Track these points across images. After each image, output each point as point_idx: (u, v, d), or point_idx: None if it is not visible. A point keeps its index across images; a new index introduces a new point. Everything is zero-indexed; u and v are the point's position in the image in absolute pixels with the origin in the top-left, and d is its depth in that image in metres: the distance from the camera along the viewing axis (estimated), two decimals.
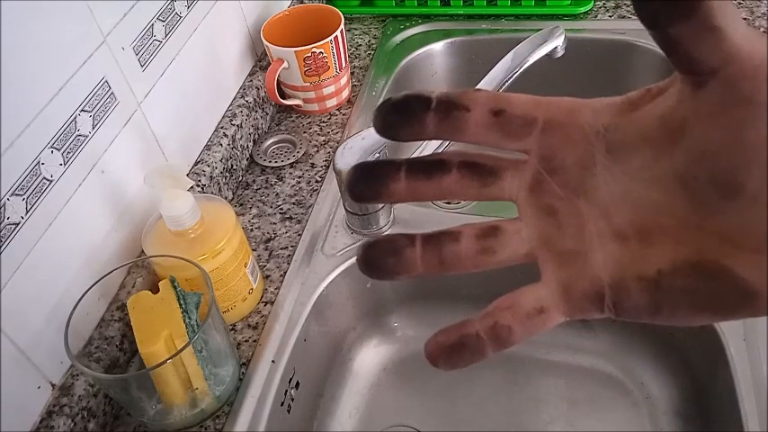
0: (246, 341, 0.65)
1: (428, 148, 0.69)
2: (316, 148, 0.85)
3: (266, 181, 0.81)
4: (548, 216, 0.23)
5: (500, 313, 0.23)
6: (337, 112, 0.90)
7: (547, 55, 0.69)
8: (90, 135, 0.59)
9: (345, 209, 0.72)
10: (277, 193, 0.79)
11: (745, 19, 0.93)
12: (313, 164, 0.82)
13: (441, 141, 0.68)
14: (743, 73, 0.19)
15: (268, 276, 0.70)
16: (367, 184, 0.24)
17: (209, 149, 0.78)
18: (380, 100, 0.90)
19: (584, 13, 0.98)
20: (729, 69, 0.19)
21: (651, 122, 0.21)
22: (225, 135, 0.79)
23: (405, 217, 0.73)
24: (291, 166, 0.83)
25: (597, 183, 0.22)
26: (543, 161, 0.23)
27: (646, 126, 0.21)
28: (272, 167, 0.83)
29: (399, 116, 0.22)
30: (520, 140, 0.23)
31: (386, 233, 0.25)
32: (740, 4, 0.96)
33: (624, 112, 0.22)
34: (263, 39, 0.84)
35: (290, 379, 0.65)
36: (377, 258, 0.24)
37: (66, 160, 0.56)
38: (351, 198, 0.24)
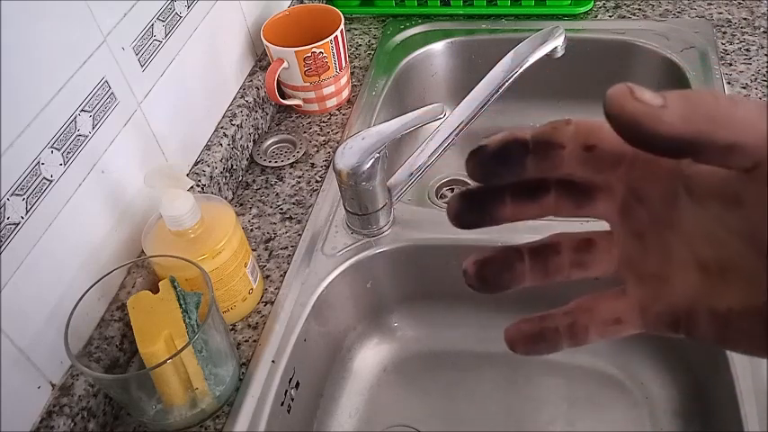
0: (246, 341, 0.65)
1: (427, 149, 0.69)
2: (316, 148, 0.85)
3: (266, 181, 0.81)
4: (636, 240, 0.24)
5: (580, 314, 0.25)
6: (337, 112, 0.90)
7: (547, 55, 0.69)
8: (90, 135, 0.59)
9: (345, 209, 0.72)
10: (277, 193, 0.79)
11: (744, 19, 0.93)
12: (313, 164, 0.82)
13: (441, 142, 0.68)
14: None
15: (268, 276, 0.70)
16: (475, 212, 0.24)
17: (209, 149, 0.78)
18: (381, 100, 0.90)
19: (584, 13, 0.98)
20: (766, 162, 0.19)
21: (716, 183, 0.22)
22: (225, 135, 0.79)
23: (405, 217, 0.73)
24: (291, 166, 0.83)
25: (682, 216, 0.23)
26: (631, 191, 0.24)
27: (714, 184, 0.22)
28: (272, 167, 0.83)
29: (501, 164, 0.23)
30: (609, 173, 0.24)
31: (490, 248, 0.25)
32: (740, 3, 0.96)
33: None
34: (263, 39, 0.84)
35: (290, 379, 0.65)
36: (493, 275, 0.25)
37: (66, 160, 0.56)
38: (457, 226, 0.25)
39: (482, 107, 0.67)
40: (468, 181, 0.98)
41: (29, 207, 0.53)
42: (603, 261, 0.25)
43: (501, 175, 0.23)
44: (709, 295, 0.23)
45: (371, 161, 0.65)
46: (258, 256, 0.72)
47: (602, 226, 0.26)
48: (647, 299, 0.24)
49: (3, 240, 0.50)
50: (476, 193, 0.24)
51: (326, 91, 0.87)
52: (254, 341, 0.65)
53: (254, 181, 0.81)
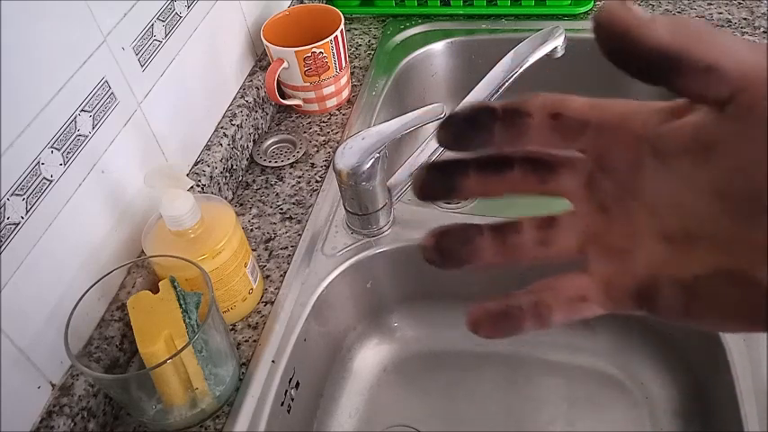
0: (246, 341, 0.65)
1: (427, 149, 0.69)
2: (316, 148, 0.85)
3: (266, 181, 0.81)
4: (600, 212, 0.24)
5: (543, 293, 0.24)
6: (337, 112, 0.90)
7: (547, 55, 0.69)
8: (90, 135, 0.59)
9: (345, 209, 0.72)
10: (277, 193, 0.79)
11: (744, 19, 0.93)
12: (313, 164, 0.82)
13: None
14: (759, 93, 0.19)
15: (268, 276, 0.70)
16: (439, 182, 0.24)
17: (209, 149, 0.78)
18: (381, 100, 0.90)
19: (585, 13, 0.98)
20: (744, 94, 0.19)
21: (688, 134, 0.21)
22: (225, 135, 0.79)
23: (405, 217, 0.73)
24: (291, 166, 0.83)
25: (647, 184, 0.23)
26: (597, 161, 0.24)
27: (684, 136, 0.22)
28: (272, 167, 0.83)
29: (471, 128, 0.23)
30: (574, 142, 0.23)
31: (449, 224, 0.25)
32: (740, 3, 0.96)
33: (669, 119, 0.22)
34: (263, 39, 0.84)
35: (290, 379, 0.65)
36: (450, 247, 0.24)
37: (66, 160, 0.56)
38: (421, 198, 0.25)
39: None
40: None
41: (29, 207, 0.53)
42: (566, 238, 0.25)
43: (470, 139, 0.23)
44: (673, 265, 0.22)
45: (371, 161, 0.65)
46: (258, 256, 0.72)
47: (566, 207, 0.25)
48: (611, 274, 0.24)
49: (3, 240, 0.50)
50: (441, 165, 0.24)
51: (326, 91, 0.87)
52: (254, 341, 0.65)
53: (254, 181, 0.81)
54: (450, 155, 0.24)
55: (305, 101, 0.88)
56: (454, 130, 0.23)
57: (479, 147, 0.23)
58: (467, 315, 0.25)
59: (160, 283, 0.57)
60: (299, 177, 0.81)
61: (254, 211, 0.78)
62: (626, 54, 0.20)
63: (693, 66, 0.19)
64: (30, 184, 0.53)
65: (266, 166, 0.83)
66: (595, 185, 0.24)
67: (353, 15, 1.05)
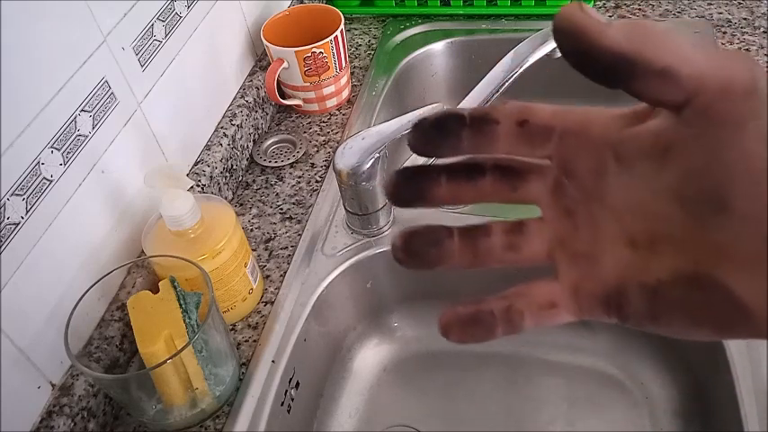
0: (246, 341, 0.65)
1: None
2: (316, 148, 0.85)
3: (266, 181, 0.81)
4: (566, 218, 0.24)
5: (515, 298, 0.24)
6: (337, 112, 0.90)
7: (547, 55, 0.69)
8: (90, 135, 0.59)
9: (345, 209, 0.72)
10: (277, 193, 0.79)
11: (744, 19, 0.93)
12: (313, 164, 0.82)
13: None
14: (713, 97, 0.20)
15: (268, 276, 0.70)
16: (410, 188, 0.24)
17: (209, 149, 0.78)
18: (381, 100, 0.90)
19: None
20: (700, 97, 0.20)
21: (647, 138, 0.22)
22: (225, 135, 0.79)
23: (405, 217, 0.73)
24: (291, 166, 0.83)
25: (611, 189, 0.23)
26: (561, 166, 0.24)
27: (644, 141, 0.22)
28: (272, 167, 0.83)
29: (437, 133, 0.23)
30: (540, 148, 0.24)
31: (420, 224, 0.25)
32: (740, 3, 0.96)
33: (630, 124, 0.23)
34: (263, 39, 0.84)
35: (290, 379, 0.65)
36: (419, 248, 0.24)
37: (66, 160, 0.56)
38: (392, 203, 0.25)
39: None
40: None
41: (29, 207, 0.53)
42: (535, 243, 0.25)
43: (438, 145, 0.23)
44: (638, 270, 0.22)
45: (371, 161, 0.65)
46: (258, 256, 0.72)
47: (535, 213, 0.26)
48: (578, 280, 0.24)
49: (3, 240, 0.50)
50: (412, 170, 0.25)
51: (326, 91, 0.87)
52: (254, 341, 0.65)
53: (254, 181, 0.81)
54: (423, 160, 0.24)
55: (305, 101, 0.88)
56: (423, 135, 0.23)
57: (448, 152, 0.24)
58: (438, 319, 0.25)
59: (160, 283, 0.57)
60: (299, 177, 0.81)
61: (254, 211, 0.78)
62: (583, 57, 0.20)
63: (648, 69, 0.20)
64: (30, 184, 0.53)
65: (266, 166, 0.83)
66: (561, 191, 0.24)
67: (353, 15, 1.05)
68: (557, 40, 0.21)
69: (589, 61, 0.20)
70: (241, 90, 0.86)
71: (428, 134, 0.23)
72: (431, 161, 0.25)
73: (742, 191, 0.20)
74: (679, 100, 0.20)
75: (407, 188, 0.24)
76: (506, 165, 0.24)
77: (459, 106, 0.68)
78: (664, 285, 0.22)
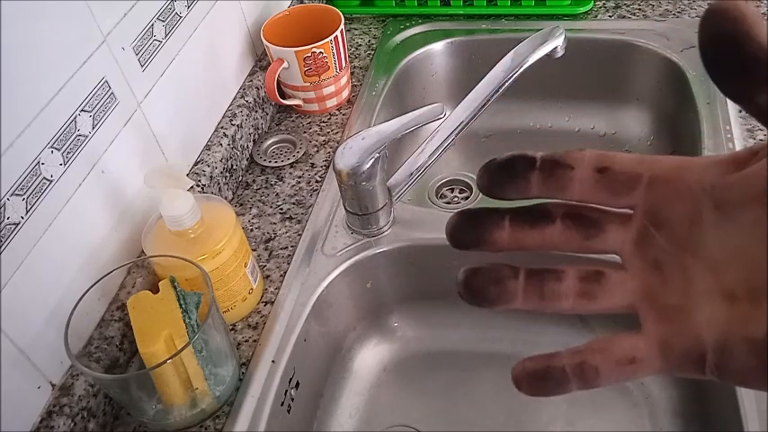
0: (246, 341, 0.65)
1: (427, 149, 0.69)
2: (316, 148, 0.85)
3: (266, 181, 0.81)
4: (653, 270, 0.23)
5: (590, 354, 0.23)
6: (337, 112, 0.90)
7: (547, 55, 0.69)
8: (90, 135, 0.59)
9: (345, 209, 0.72)
10: (277, 193, 0.79)
11: None
12: (313, 164, 0.82)
13: (441, 142, 0.68)
14: None
15: (268, 276, 0.70)
16: (471, 231, 0.24)
17: (209, 149, 0.78)
18: (381, 100, 0.90)
19: (585, 13, 0.98)
20: None
21: (759, 181, 0.21)
22: (225, 135, 0.79)
23: (405, 217, 0.73)
24: (291, 166, 0.83)
25: (706, 239, 0.22)
26: (649, 216, 0.23)
27: (754, 185, 0.21)
28: (272, 167, 0.83)
29: (506, 176, 0.23)
30: (625, 196, 0.23)
31: (491, 262, 0.24)
32: None
33: (731, 169, 0.22)
34: (263, 39, 0.84)
35: (290, 379, 0.65)
36: (480, 286, 0.24)
37: (66, 160, 0.56)
38: (452, 245, 0.24)
39: (482, 107, 0.67)
40: (469, 181, 0.98)
41: (29, 207, 0.53)
42: (615, 294, 0.24)
43: (505, 187, 0.23)
44: (741, 323, 0.21)
45: (371, 161, 0.65)
46: (258, 256, 0.72)
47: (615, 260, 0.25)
48: (669, 335, 0.23)
49: (3, 240, 0.50)
50: (475, 212, 0.24)
51: (326, 91, 0.87)
52: (254, 341, 0.65)
53: (254, 181, 0.81)
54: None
55: (305, 101, 0.88)
56: (490, 177, 0.23)
57: (516, 195, 0.23)
58: (511, 369, 0.24)
59: (160, 283, 0.57)
60: (299, 177, 0.81)
61: (254, 211, 0.78)
62: (734, 43, 0.19)
63: None
64: (30, 184, 0.53)
65: (266, 166, 0.83)
66: (648, 242, 0.23)
67: (353, 15, 1.05)
68: (705, 24, 0.19)
69: (739, 51, 0.19)
70: (241, 90, 0.86)
71: (495, 175, 0.23)
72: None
73: None
74: None
75: (468, 230, 0.24)
76: (579, 213, 0.24)
77: (459, 106, 0.68)
78: None
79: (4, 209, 0.50)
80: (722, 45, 0.19)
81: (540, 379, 0.24)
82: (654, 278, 0.23)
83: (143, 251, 0.62)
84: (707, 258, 0.22)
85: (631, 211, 0.23)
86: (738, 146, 0.77)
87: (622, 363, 0.23)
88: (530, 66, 0.68)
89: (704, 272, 0.22)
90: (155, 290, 0.57)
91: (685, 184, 0.22)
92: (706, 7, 0.19)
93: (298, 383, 0.66)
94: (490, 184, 0.23)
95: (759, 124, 0.23)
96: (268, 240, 0.74)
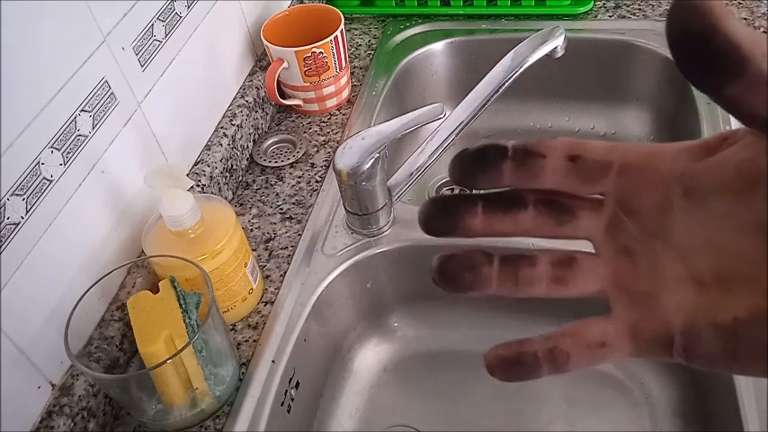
0: (246, 341, 0.65)
1: (427, 149, 0.69)
2: (316, 148, 0.85)
3: (266, 181, 0.81)
4: (624, 256, 0.23)
5: (561, 339, 0.24)
6: (337, 112, 0.90)
7: (547, 55, 0.69)
8: (90, 135, 0.59)
9: (345, 209, 0.72)
10: (277, 193, 0.79)
11: (744, 19, 0.93)
12: (313, 164, 0.82)
13: (441, 142, 0.68)
14: None
15: (268, 276, 0.70)
16: (444, 218, 0.24)
17: (209, 149, 0.78)
18: (381, 100, 0.90)
19: (585, 13, 0.98)
20: None
21: (729, 169, 0.21)
22: (225, 135, 0.79)
23: (405, 217, 0.73)
24: (291, 166, 0.83)
25: (676, 226, 0.22)
26: (620, 203, 0.23)
27: (724, 173, 0.21)
28: (272, 167, 0.83)
29: (478, 165, 0.23)
30: (596, 184, 0.23)
31: (464, 248, 0.24)
32: (740, 3, 0.96)
33: (699, 156, 0.22)
34: (263, 39, 0.84)
35: (290, 379, 0.65)
36: (455, 272, 0.24)
37: (66, 160, 0.56)
38: (425, 232, 0.24)
39: (482, 107, 0.67)
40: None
41: (29, 207, 0.53)
42: (587, 279, 0.24)
43: (477, 177, 0.23)
44: (708, 309, 0.22)
45: (371, 161, 0.65)
46: (258, 256, 0.72)
47: (587, 247, 0.25)
48: (639, 320, 0.23)
49: (3, 240, 0.50)
50: (448, 199, 0.24)
51: (326, 91, 0.87)
52: (254, 341, 0.65)
53: (254, 181, 0.81)
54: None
55: (305, 101, 0.88)
56: (462, 167, 0.23)
57: (488, 185, 0.23)
58: (484, 356, 0.25)
59: (160, 283, 0.57)
60: (299, 177, 0.81)
61: (254, 211, 0.78)
62: (702, 37, 0.19)
63: (757, 72, 0.19)
64: (30, 184, 0.53)
65: (266, 166, 0.83)
66: (619, 229, 0.23)
67: (353, 15, 1.05)
68: (673, 15, 0.19)
69: (707, 44, 0.19)
70: (241, 90, 0.86)
71: (468, 165, 0.23)
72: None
73: None
74: None
75: (442, 218, 0.24)
76: (552, 199, 0.24)
77: (459, 106, 0.68)
78: (743, 324, 0.21)
79: (4, 209, 0.50)
80: (690, 38, 0.19)
81: (513, 365, 0.24)
82: (624, 264, 0.23)
83: (143, 251, 0.62)
84: (676, 245, 0.22)
85: (603, 197, 0.23)
86: None
87: (593, 347, 0.23)
88: (530, 66, 0.68)
89: (674, 258, 0.22)
90: (155, 290, 0.57)
91: (656, 171, 0.22)
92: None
93: (298, 383, 0.66)
94: (462, 174, 0.23)
95: None
96: (268, 240, 0.74)
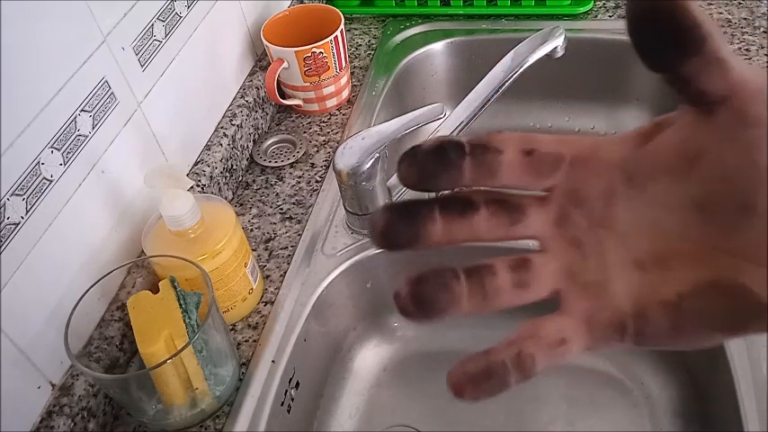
0: (246, 341, 0.65)
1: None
2: (316, 148, 0.85)
3: (266, 181, 0.81)
4: (573, 248, 0.23)
5: (523, 342, 0.22)
6: (337, 112, 0.90)
7: (547, 55, 0.69)
8: (90, 135, 0.59)
9: (345, 209, 0.72)
10: (277, 193, 0.79)
11: (744, 19, 0.93)
12: (313, 164, 0.82)
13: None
14: (750, 98, 0.20)
15: (268, 276, 0.70)
16: (407, 228, 0.22)
17: (209, 149, 0.78)
18: (381, 100, 0.90)
19: (585, 13, 0.98)
20: (737, 96, 0.20)
21: (666, 152, 0.22)
22: (225, 135, 0.79)
23: None
24: (291, 166, 0.83)
25: (618, 212, 0.23)
26: (568, 195, 0.23)
27: (661, 155, 0.22)
28: (272, 167, 0.83)
29: (438, 165, 0.21)
30: (549, 177, 0.23)
31: (427, 269, 0.22)
32: (740, 4, 0.96)
33: (639, 144, 0.23)
34: (263, 39, 0.84)
35: (290, 379, 0.65)
36: (430, 295, 0.22)
37: (66, 160, 0.56)
38: (381, 245, 0.22)
39: (482, 107, 0.67)
40: None
41: (29, 207, 0.53)
42: (543, 277, 0.23)
43: (437, 176, 0.21)
44: (653, 289, 0.22)
45: (371, 161, 0.65)
46: (258, 256, 0.72)
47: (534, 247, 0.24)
48: (592, 310, 0.23)
49: (3, 240, 0.50)
50: (406, 205, 0.22)
51: (326, 91, 0.87)
52: (254, 341, 0.65)
53: (254, 181, 0.81)
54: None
55: (305, 101, 0.88)
56: (419, 166, 0.21)
57: (449, 186, 0.22)
58: (447, 377, 0.22)
59: (160, 283, 0.57)
60: (299, 177, 0.81)
61: (254, 211, 0.78)
62: (665, 14, 0.20)
63: (712, 51, 0.20)
64: (30, 184, 0.53)
65: (266, 166, 0.83)
66: (567, 221, 0.23)
67: (353, 15, 1.05)
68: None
69: (669, 21, 0.20)
70: (241, 90, 0.86)
71: (426, 163, 0.21)
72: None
73: None
74: (720, 94, 0.20)
75: (402, 227, 0.22)
76: (501, 198, 0.23)
77: (459, 106, 0.68)
78: (686, 298, 0.22)
79: (4, 209, 0.50)
80: (655, 15, 0.20)
81: (483, 380, 0.22)
82: (574, 256, 0.23)
83: (143, 251, 0.62)
84: (619, 231, 0.23)
85: (546, 193, 0.23)
86: None
87: (553, 345, 0.22)
88: (530, 66, 0.68)
89: (618, 244, 0.23)
90: (155, 290, 0.57)
91: (601, 161, 0.23)
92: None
93: (298, 383, 0.66)
94: (421, 176, 0.21)
95: None
96: (268, 240, 0.74)
